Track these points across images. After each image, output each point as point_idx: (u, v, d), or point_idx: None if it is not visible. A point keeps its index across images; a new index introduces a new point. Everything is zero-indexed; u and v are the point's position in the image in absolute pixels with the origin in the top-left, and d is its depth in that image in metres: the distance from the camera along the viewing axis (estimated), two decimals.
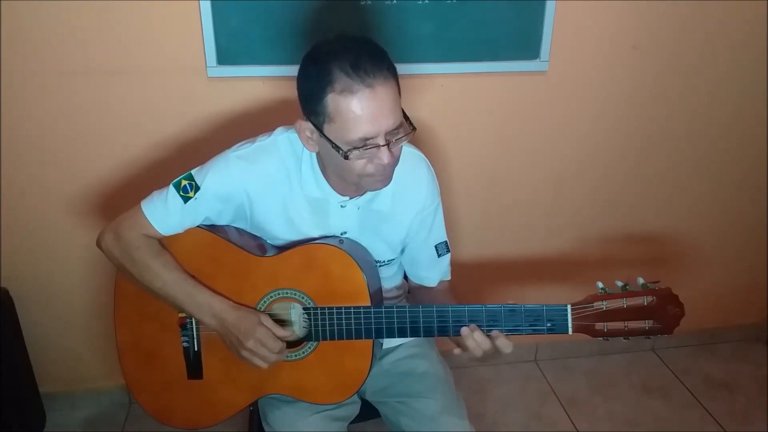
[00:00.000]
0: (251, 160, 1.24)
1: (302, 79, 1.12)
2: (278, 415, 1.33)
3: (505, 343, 1.20)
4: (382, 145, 1.10)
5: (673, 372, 2.33)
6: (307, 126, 1.14)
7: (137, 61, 1.68)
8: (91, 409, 2.09)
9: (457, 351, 1.22)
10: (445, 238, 1.41)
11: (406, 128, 1.14)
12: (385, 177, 1.17)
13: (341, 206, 1.28)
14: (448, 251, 1.41)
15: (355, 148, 1.09)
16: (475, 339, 1.18)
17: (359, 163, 1.13)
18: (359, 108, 1.06)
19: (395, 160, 1.15)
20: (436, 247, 1.39)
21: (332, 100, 1.06)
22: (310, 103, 1.11)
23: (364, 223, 1.31)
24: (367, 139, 1.09)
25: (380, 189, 1.21)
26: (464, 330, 1.19)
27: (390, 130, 1.10)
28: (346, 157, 1.10)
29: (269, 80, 1.74)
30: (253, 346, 1.20)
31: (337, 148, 1.11)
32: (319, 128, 1.12)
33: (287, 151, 1.25)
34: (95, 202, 1.82)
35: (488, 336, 1.19)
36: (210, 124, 1.78)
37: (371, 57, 1.06)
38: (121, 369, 1.36)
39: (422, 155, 1.34)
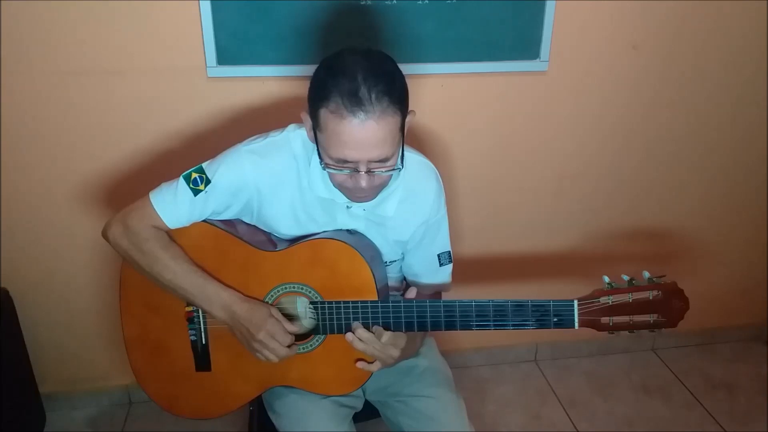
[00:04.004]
0: (263, 155, 1.24)
1: (312, 80, 1.13)
2: (285, 402, 1.34)
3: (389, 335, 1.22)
4: (362, 171, 1.11)
5: (673, 372, 2.33)
6: (309, 121, 1.16)
7: (137, 61, 1.68)
8: (91, 409, 2.09)
9: (360, 364, 1.24)
10: (448, 248, 1.40)
11: (393, 164, 1.14)
12: (364, 196, 1.19)
13: (347, 207, 1.28)
14: (451, 261, 1.41)
15: (334, 165, 1.12)
16: (361, 338, 1.20)
17: (338, 176, 1.15)
18: (344, 134, 1.07)
19: (376, 187, 1.17)
20: (438, 256, 1.39)
21: (323, 115, 1.08)
22: (310, 105, 1.13)
23: (370, 224, 1.31)
24: (346, 162, 1.10)
25: (360, 203, 1.23)
26: (348, 335, 1.21)
27: (373, 161, 1.10)
28: (324, 168, 1.14)
29: (269, 80, 1.74)
30: (263, 337, 1.20)
31: (320, 155, 1.14)
32: (314, 129, 1.14)
33: (298, 149, 1.26)
34: (95, 202, 1.82)
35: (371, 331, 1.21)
36: (210, 124, 1.78)
37: (375, 90, 1.05)
38: (129, 362, 1.36)
39: (431, 165, 1.34)
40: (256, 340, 1.21)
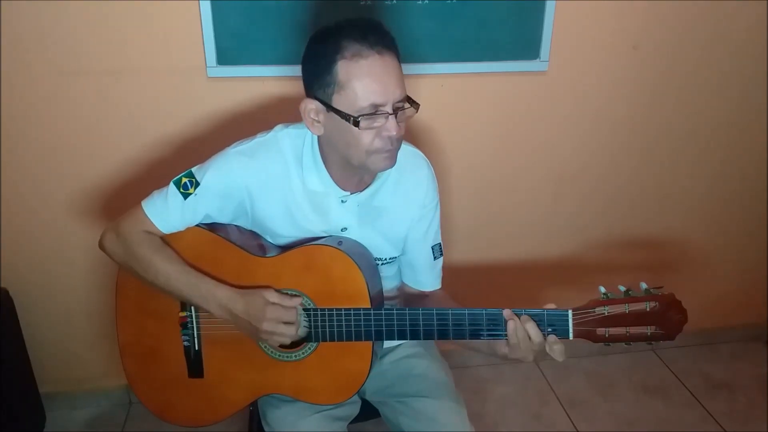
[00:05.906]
0: (251, 155, 1.24)
1: (309, 56, 1.14)
2: (278, 415, 1.33)
3: (559, 350, 1.14)
4: (390, 114, 1.11)
5: (673, 372, 2.33)
6: (313, 105, 1.15)
7: (137, 61, 1.68)
8: (91, 409, 2.09)
9: (504, 350, 1.18)
10: (440, 240, 1.41)
11: (411, 104, 1.16)
12: (391, 154, 1.18)
13: (342, 201, 1.28)
14: (441, 254, 1.41)
15: (365, 114, 1.11)
16: (528, 331, 1.13)
17: (367, 137, 1.13)
18: (370, 73, 1.09)
19: (401, 136, 1.17)
20: (432, 248, 1.39)
21: (343, 67, 1.09)
22: (318, 77, 1.12)
23: (364, 219, 1.31)
24: (377, 105, 1.10)
25: (386, 169, 1.21)
26: (506, 312, 1.14)
27: (397, 100, 1.12)
28: (356, 124, 1.11)
29: (269, 80, 1.74)
30: (268, 327, 1.19)
31: (346, 117, 1.11)
32: (328, 102, 1.13)
33: (287, 147, 1.26)
34: (95, 202, 1.82)
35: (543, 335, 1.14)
36: (210, 124, 1.78)
37: (377, 30, 1.11)
38: (122, 367, 1.36)
39: (422, 155, 1.36)
40: (262, 332, 1.20)
